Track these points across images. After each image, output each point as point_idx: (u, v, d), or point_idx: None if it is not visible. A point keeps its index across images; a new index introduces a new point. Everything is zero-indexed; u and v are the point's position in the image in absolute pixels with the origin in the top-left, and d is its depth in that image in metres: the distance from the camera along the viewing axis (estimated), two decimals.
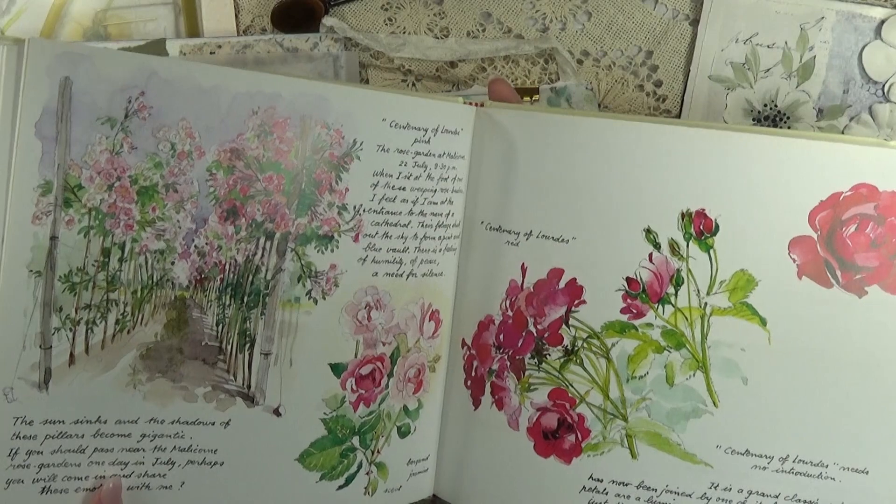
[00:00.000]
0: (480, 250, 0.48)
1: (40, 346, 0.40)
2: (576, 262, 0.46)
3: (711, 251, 0.43)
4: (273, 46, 0.59)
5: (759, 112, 0.61)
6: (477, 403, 0.49)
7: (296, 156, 0.43)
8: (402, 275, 0.47)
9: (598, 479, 0.46)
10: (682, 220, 0.44)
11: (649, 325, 0.44)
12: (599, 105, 0.62)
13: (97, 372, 0.41)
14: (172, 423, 0.43)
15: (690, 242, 0.43)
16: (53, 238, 0.39)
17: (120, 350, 0.41)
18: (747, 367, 0.43)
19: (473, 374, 0.49)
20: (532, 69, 0.62)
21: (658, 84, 0.62)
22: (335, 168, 0.44)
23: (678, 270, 0.44)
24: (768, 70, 0.61)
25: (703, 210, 0.43)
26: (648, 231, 0.44)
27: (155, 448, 0.43)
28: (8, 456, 0.40)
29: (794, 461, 0.43)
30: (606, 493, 0.46)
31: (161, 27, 0.60)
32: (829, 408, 0.42)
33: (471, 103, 0.48)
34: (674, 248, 0.44)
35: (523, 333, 0.47)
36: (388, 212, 0.46)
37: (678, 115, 0.62)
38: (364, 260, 0.46)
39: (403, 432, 0.49)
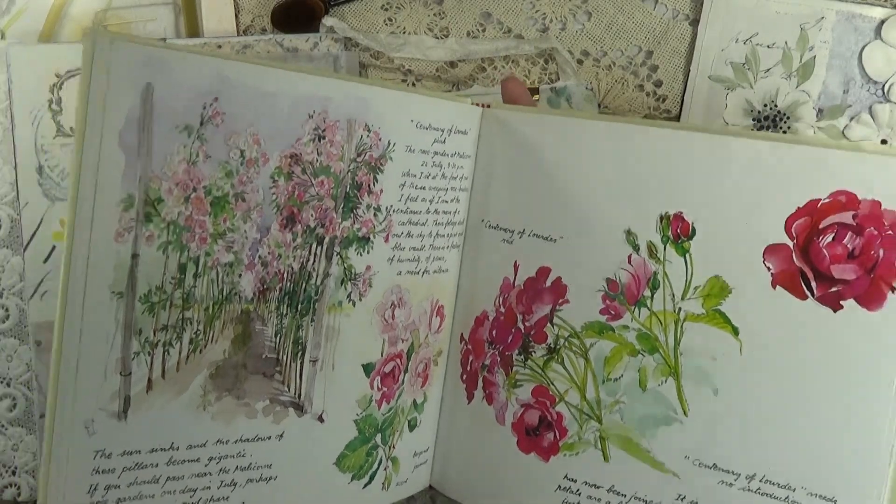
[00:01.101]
0: (480, 247, 0.49)
1: (121, 374, 0.37)
2: (561, 262, 0.46)
3: (687, 255, 0.42)
4: (273, 46, 0.59)
5: (759, 112, 0.61)
6: (470, 397, 0.50)
7: (342, 159, 0.43)
8: (419, 272, 0.48)
9: (573, 480, 0.46)
10: (661, 222, 0.43)
11: (626, 327, 0.44)
12: (599, 105, 0.62)
13: (172, 396, 0.39)
14: (236, 442, 0.42)
15: (668, 246, 0.43)
16: (135, 256, 0.37)
17: (193, 371, 0.40)
18: (718, 377, 0.41)
19: (469, 368, 0.50)
20: (532, 69, 0.62)
21: (658, 84, 0.62)
22: (373, 170, 0.44)
23: (655, 273, 0.43)
24: (768, 70, 0.60)
25: (681, 213, 0.42)
26: (629, 232, 0.44)
27: (220, 470, 0.41)
28: (87, 493, 0.38)
29: (760, 481, 0.41)
30: (579, 494, 0.46)
31: (161, 27, 0.60)
32: (799, 428, 0.40)
33: (478, 104, 0.48)
34: (652, 250, 0.43)
35: (513, 330, 0.48)
36: (411, 211, 0.47)
37: (678, 115, 0.62)
38: (392, 259, 0.46)
39: (412, 426, 0.50)
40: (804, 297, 0.39)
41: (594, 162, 0.44)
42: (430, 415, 0.51)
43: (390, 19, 0.61)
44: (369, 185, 0.44)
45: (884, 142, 0.60)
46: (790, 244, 0.40)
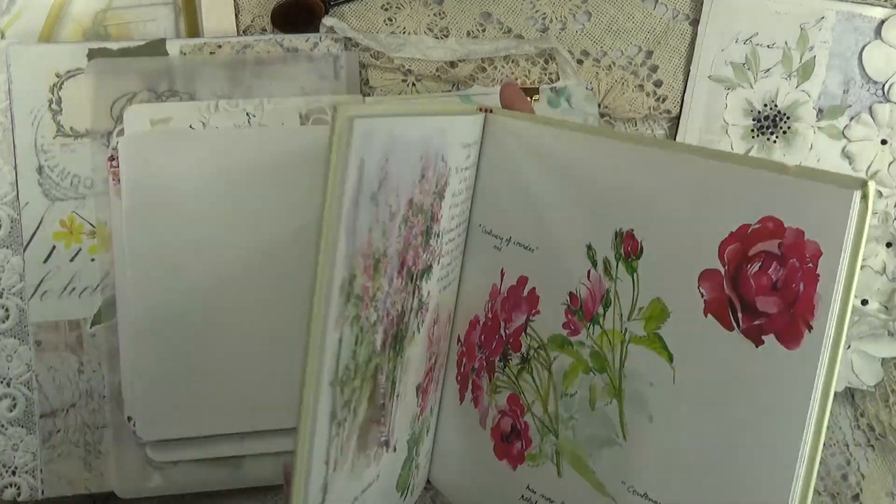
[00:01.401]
0: (477, 252, 0.49)
1: (325, 463, 0.35)
2: (537, 272, 0.45)
3: (635, 275, 0.40)
4: (273, 46, 0.59)
5: (759, 112, 0.61)
6: (462, 398, 0.50)
7: (430, 193, 0.41)
8: (448, 286, 0.48)
9: (533, 491, 0.45)
10: (616, 239, 0.41)
11: (581, 343, 0.43)
12: (599, 105, 0.62)
13: (341, 469, 0.37)
14: (362, 493, 0.40)
15: (620, 263, 0.41)
16: (340, 340, 0.34)
17: (351, 439, 0.38)
18: (653, 404, 0.39)
19: (462, 369, 0.50)
20: (532, 69, 0.62)
21: (658, 84, 0.62)
22: (440, 197, 0.43)
23: (608, 291, 0.41)
24: (768, 70, 0.60)
25: (632, 231, 0.40)
26: (589, 247, 0.42)
27: None
28: None
29: None
30: None
31: (161, 27, 0.60)
32: (725, 466, 0.37)
33: (481, 109, 0.47)
34: (607, 267, 0.41)
35: (496, 336, 0.47)
36: (450, 229, 0.46)
37: (678, 116, 0.62)
38: (439, 279, 0.45)
39: (428, 430, 0.50)
40: (731, 328, 0.36)
41: (564, 172, 0.43)
42: (436, 416, 0.51)
43: (390, 19, 0.61)
44: (437, 214, 0.42)
45: (884, 142, 0.60)
46: (722, 271, 0.36)
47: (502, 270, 0.47)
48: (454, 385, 0.50)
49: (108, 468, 0.58)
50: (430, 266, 0.44)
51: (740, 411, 0.36)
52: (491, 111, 0.48)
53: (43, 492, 0.58)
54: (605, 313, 0.41)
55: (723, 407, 0.37)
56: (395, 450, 0.44)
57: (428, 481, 0.53)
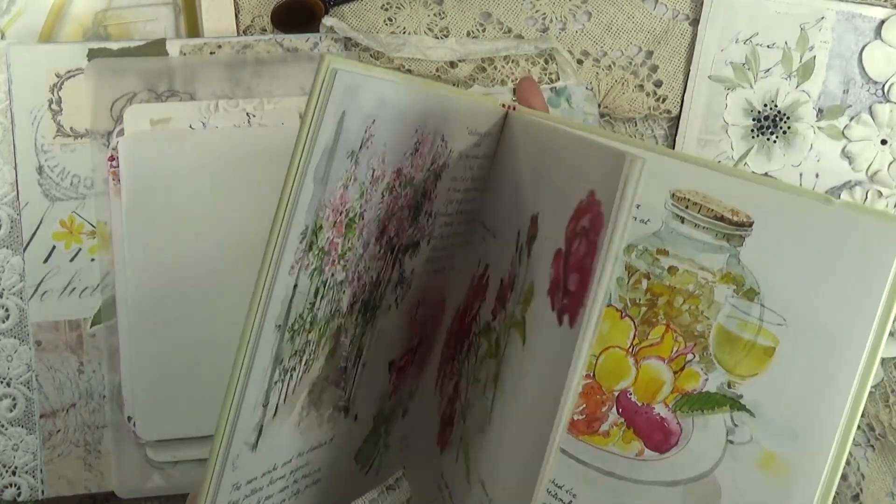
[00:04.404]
0: (473, 243, 0.49)
1: (262, 405, 0.36)
2: (492, 260, 0.45)
3: (528, 258, 0.38)
4: (273, 46, 0.59)
5: (759, 112, 0.61)
6: (437, 385, 0.50)
7: (423, 169, 0.42)
8: (440, 270, 0.48)
9: (442, 477, 0.46)
10: (529, 223, 0.39)
11: (494, 329, 0.42)
12: (599, 105, 0.62)
13: (285, 419, 0.38)
14: (308, 451, 0.41)
15: (524, 247, 0.39)
16: (295, 286, 0.35)
17: (300, 391, 0.39)
18: (507, 389, 0.38)
19: (443, 357, 0.50)
20: (532, 69, 0.62)
21: (658, 84, 0.62)
22: (437, 177, 0.43)
23: (517, 276, 0.40)
24: (768, 70, 0.61)
25: (537, 215, 0.38)
26: (519, 233, 0.41)
27: (293, 481, 0.41)
28: None
29: None
30: (441, 491, 0.46)
31: (161, 27, 0.60)
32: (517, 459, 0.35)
33: (504, 105, 0.47)
34: (520, 251, 0.40)
35: (463, 325, 0.48)
36: (448, 213, 0.46)
37: (678, 116, 0.62)
38: (427, 260, 0.46)
39: (404, 412, 0.50)
40: (552, 308, 0.34)
41: (518, 157, 0.43)
42: (416, 401, 0.51)
43: (390, 19, 0.61)
44: (431, 193, 0.43)
45: (884, 142, 0.60)
46: (563, 249, 0.34)
47: (480, 260, 0.47)
48: (434, 372, 0.51)
49: (108, 468, 0.58)
50: (417, 243, 0.44)
51: (546, 395, 0.33)
52: (514, 108, 0.47)
53: (43, 492, 0.58)
54: (510, 298, 0.40)
55: (535, 391, 0.35)
56: (355, 419, 0.45)
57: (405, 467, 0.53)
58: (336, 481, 0.46)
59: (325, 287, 0.37)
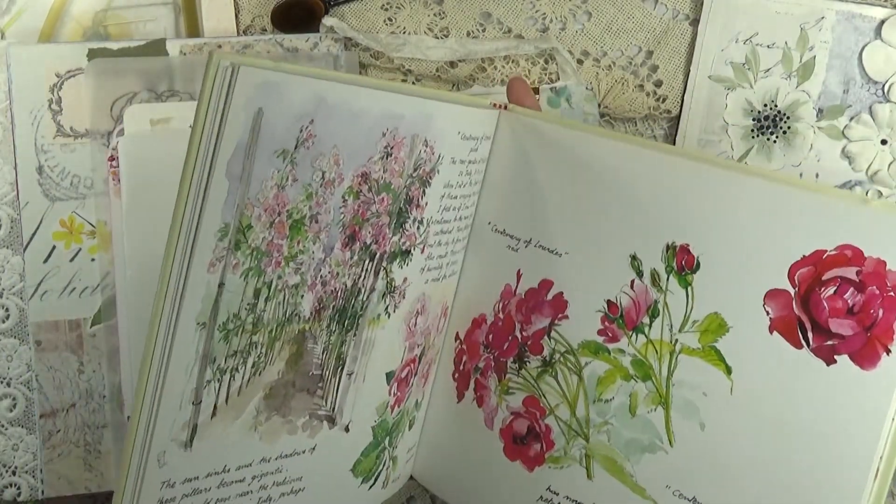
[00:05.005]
0: (484, 250, 0.49)
1: (192, 403, 0.36)
2: (565, 277, 0.46)
3: (689, 288, 0.42)
4: (273, 46, 0.59)
5: (759, 112, 0.61)
6: (461, 396, 0.50)
7: (402, 175, 0.41)
8: (439, 279, 0.48)
9: (555, 493, 0.46)
10: (667, 252, 0.42)
11: (621, 351, 0.44)
12: (599, 105, 0.62)
13: (231, 420, 0.38)
14: (276, 458, 0.41)
15: (671, 276, 0.42)
16: (221, 284, 0.35)
17: (251, 394, 0.39)
18: (706, 413, 0.41)
19: (462, 367, 0.50)
20: (532, 69, 0.62)
21: (658, 84, 0.62)
22: (424, 184, 0.43)
23: (655, 302, 0.43)
24: (768, 70, 0.60)
25: (688, 245, 0.42)
26: (634, 257, 0.43)
27: (260, 487, 0.41)
28: None
29: None
30: None
31: (161, 27, 0.60)
32: (781, 474, 0.39)
33: (495, 105, 0.47)
34: (655, 278, 0.43)
35: (510, 337, 0.48)
36: (444, 221, 0.46)
37: (678, 116, 0.62)
38: (423, 269, 0.46)
39: (411, 424, 0.50)
40: (799, 346, 0.39)
41: (607, 181, 0.44)
42: (423, 411, 0.51)
43: (390, 19, 0.61)
44: (418, 200, 0.43)
45: (884, 142, 0.60)
46: (791, 291, 0.39)
47: (519, 272, 0.47)
48: (450, 383, 0.50)
49: (108, 468, 0.58)
50: (408, 252, 0.44)
51: (806, 424, 0.39)
52: (506, 107, 0.47)
53: (43, 492, 0.58)
54: (650, 323, 0.43)
55: (786, 418, 0.39)
56: (346, 430, 0.44)
57: (411, 477, 0.53)
58: (327, 493, 0.45)
59: (269, 289, 0.37)
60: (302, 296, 0.39)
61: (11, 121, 0.56)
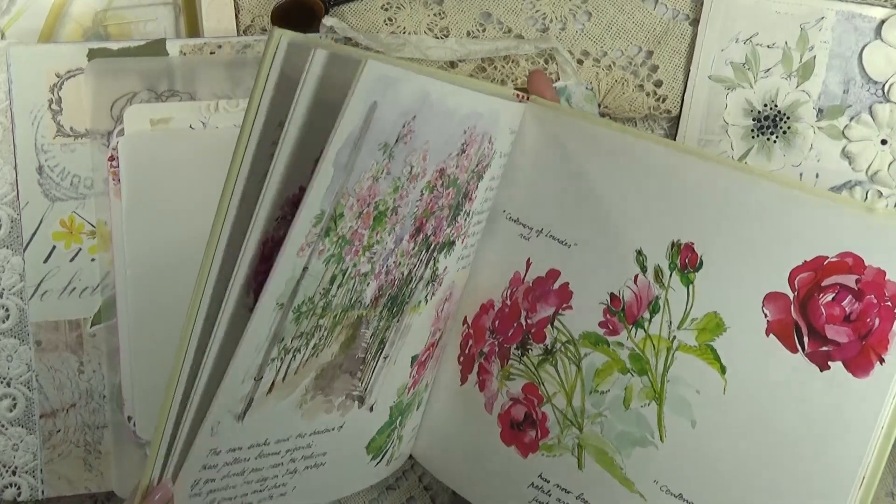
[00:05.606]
0: (496, 236, 0.49)
1: (254, 378, 0.37)
2: (571, 268, 0.46)
3: (691, 286, 0.42)
4: None
5: (759, 112, 0.61)
6: (464, 380, 0.50)
7: (468, 170, 0.42)
8: (467, 267, 0.49)
9: (546, 480, 0.47)
10: (671, 249, 0.43)
11: (620, 344, 0.44)
12: (600, 105, 0.62)
13: (283, 397, 0.39)
14: (310, 434, 0.42)
15: (674, 273, 0.43)
16: (305, 269, 0.35)
17: (305, 374, 0.40)
18: (698, 410, 0.42)
19: (467, 351, 0.50)
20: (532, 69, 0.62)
21: (658, 84, 0.62)
22: (479, 178, 0.44)
23: (657, 298, 0.43)
24: (768, 70, 0.61)
25: (692, 244, 0.42)
26: (639, 253, 0.44)
27: (290, 460, 0.42)
28: (190, 486, 0.38)
29: None
30: (549, 495, 0.46)
31: (161, 27, 0.60)
32: (767, 476, 0.40)
33: (518, 95, 0.47)
34: (658, 274, 0.43)
35: (515, 324, 0.48)
36: (482, 212, 0.47)
37: (678, 116, 0.62)
38: (459, 258, 0.47)
39: (419, 404, 0.51)
40: (794, 350, 0.39)
41: (619, 176, 0.44)
42: (429, 392, 0.52)
43: (390, 19, 0.61)
44: (471, 193, 0.44)
45: (884, 142, 0.60)
46: (791, 295, 0.39)
47: (528, 260, 0.48)
48: (455, 366, 0.51)
49: (108, 468, 0.58)
50: (453, 242, 0.45)
51: (795, 428, 0.39)
52: (528, 97, 0.48)
53: (43, 492, 0.58)
54: (650, 318, 0.43)
55: (776, 421, 0.39)
56: (371, 409, 0.45)
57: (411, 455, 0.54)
58: (342, 468, 0.46)
59: (343, 276, 0.38)
60: (368, 284, 0.40)
61: (11, 121, 0.56)
